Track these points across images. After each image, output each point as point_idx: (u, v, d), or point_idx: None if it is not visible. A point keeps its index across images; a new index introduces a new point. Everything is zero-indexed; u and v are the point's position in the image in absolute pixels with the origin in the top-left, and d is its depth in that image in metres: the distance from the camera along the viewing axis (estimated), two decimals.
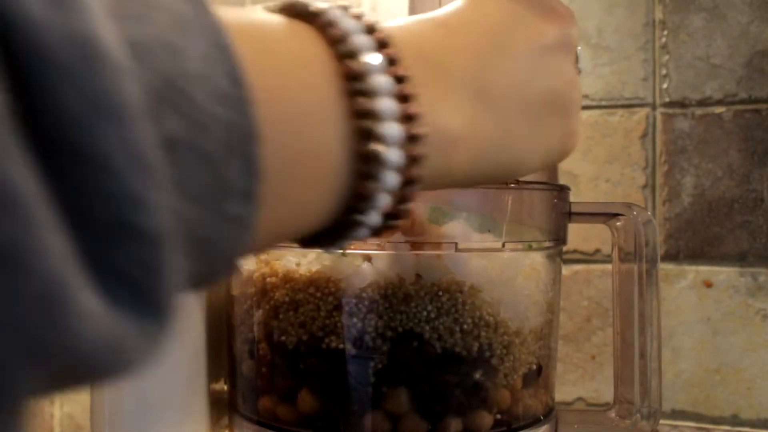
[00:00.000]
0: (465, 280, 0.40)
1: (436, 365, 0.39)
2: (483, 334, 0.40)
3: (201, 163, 0.17)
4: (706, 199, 0.62)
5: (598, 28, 0.65)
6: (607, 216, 0.49)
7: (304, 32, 0.23)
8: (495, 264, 0.42)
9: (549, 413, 0.46)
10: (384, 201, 0.23)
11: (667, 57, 0.63)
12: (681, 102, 0.63)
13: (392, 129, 0.22)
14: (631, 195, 0.64)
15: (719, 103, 0.62)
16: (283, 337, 0.41)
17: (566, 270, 0.65)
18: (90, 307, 0.14)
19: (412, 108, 0.23)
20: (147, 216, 0.15)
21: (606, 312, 0.64)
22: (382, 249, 0.39)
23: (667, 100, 0.63)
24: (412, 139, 0.23)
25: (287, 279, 0.41)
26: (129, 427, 0.46)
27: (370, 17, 0.24)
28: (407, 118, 0.23)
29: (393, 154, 0.22)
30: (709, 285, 0.62)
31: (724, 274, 0.62)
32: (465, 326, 0.40)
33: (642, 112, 0.64)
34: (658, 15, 0.64)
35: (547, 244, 0.45)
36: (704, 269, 0.63)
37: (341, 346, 0.39)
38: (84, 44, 0.14)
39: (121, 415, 0.46)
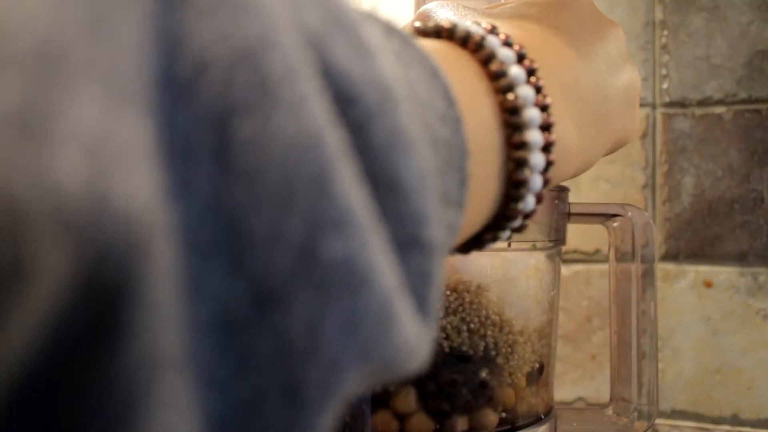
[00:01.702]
0: (472, 279, 0.40)
1: (444, 364, 0.39)
2: (489, 333, 0.40)
3: (436, 178, 0.18)
4: (706, 199, 0.63)
5: None
6: (603, 216, 0.49)
7: (466, 63, 0.24)
8: (501, 264, 0.42)
9: (549, 411, 0.46)
10: (519, 222, 0.25)
11: (667, 57, 0.64)
12: (681, 102, 0.63)
13: (539, 158, 0.24)
14: (631, 195, 0.64)
15: (719, 103, 0.62)
16: None
17: (566, 270, 0.65)
18: (406, 318, 0.15)
19: (552, 136, 0.24)
20: (429, 230, 0.16)
21: (606, 312, 0.64)
22: None
23: (667, 100, 0.64)
24: (548, 165, 0.24)
25: None
26: None
27: (516, 41, 0.25)
28: (547, 147, 0.24)
29: (536, 180, 0.24)
30: (709, 285, 0.63)
31: (724, 274, 0.62)
32: (472, 325, 0.40)
33: (642, 112, 0.64)
34: (658, 15, 0.64)
35: (549, 244, 0.45)
36: (704, 269, 0.63)
37: None
38: (382, 86, 0.16)
39: None
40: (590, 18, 0.32)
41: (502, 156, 0.23)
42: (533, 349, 0.43)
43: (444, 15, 0.30)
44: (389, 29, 0.19)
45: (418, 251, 0.16)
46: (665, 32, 0.64)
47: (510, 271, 0.42)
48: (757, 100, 0.61)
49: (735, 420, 0.62)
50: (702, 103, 0.63)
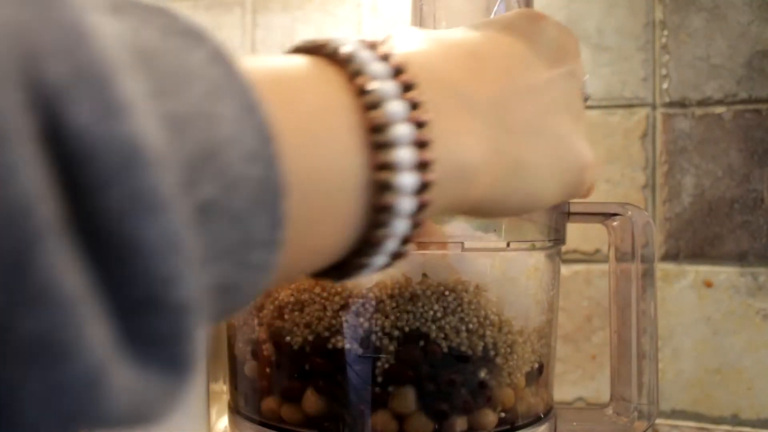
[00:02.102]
0: (470, 279, 0.40)
1: (442, 364, 0.39)
2: (488, 333, 0.40)
3: (231, 222, 0.18)
4: (706, 199, 0.63)
5: (598, 28, 0.65)
6: (603, 216, 0.49)
7: (331, 78, 0.23)
8: (500, 263, 0.42)
9: (549, 411, 0.46)
10: (391, 246, 0.23)
11: (667, 57, 0.64)
12: (681, 102, 0.63)
13: (408, 179, 0.22)
14: (631, 195, 0.64)
15: (719, 103, 0.62)
16: (288, 338, 0.40)
17: (566, 270, 0.65)
18: (123, 382, 0.15)
19: (430, 154, 0.23)
20: (176, 291, 0.16)
21: (606, 312, 0.64)
22: None
23: (667, 100, 0.64)
24: (424, 186, 0.23)
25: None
26: None
27: (399, 53, 0.24)
28: (423, 165, 0.23)
29: (406, 203, 0.23)
30: (709, 285, 0.63)
31: (724, 274, 0.62)
32: (470, 325, 0.40)
33: (642, 112, 0.64)
34: (658, 15, 0.64)
35: (548, 243, 0.45)
36: (704, 269, 0.63)
37: (347, 346, 0.39)
38: (125, 147, 0.15)
39: None
40: (543, 54, 0.32)
41: (364, 178, 0.22)
42: (533, 349, 0.43)
43: (400, 36, 0.29)
44: (215, 57, 0.18)
45: (160, 312, 0.16)
46: (665, 32, 0.64)
47: (509, 271, 0.42)
48: (757, 100, 0.61)
49: (735, 420, 0.62)
50: (702, 103, 0.63)
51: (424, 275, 0.39)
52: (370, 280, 0.39)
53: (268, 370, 0.42)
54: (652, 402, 0.47)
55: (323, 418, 0.40)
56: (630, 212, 0.47)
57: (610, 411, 0.48)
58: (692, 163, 0.63)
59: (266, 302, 0.42)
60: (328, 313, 0.40)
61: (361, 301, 0.39)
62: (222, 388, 0.51)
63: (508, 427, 0.42)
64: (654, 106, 0.64)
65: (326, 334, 0.40)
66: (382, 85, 0.22)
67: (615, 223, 0.48)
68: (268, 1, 0.74)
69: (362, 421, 0.39)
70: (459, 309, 0.39)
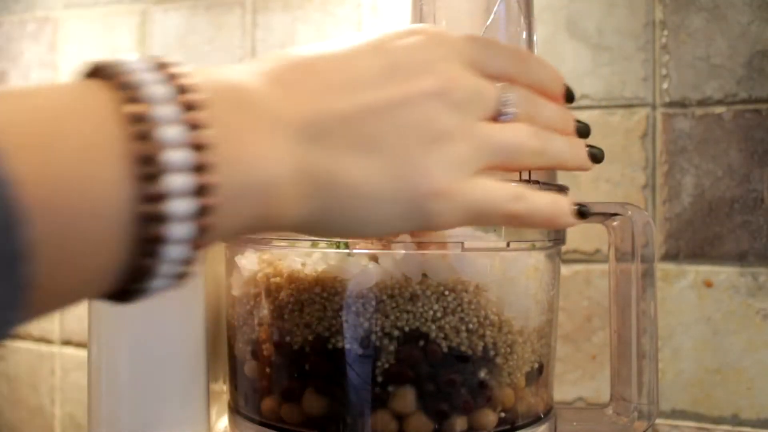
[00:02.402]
0: (470, 279, 0.40)
1: (442, 364, 0.39)
2: (488, 333, 0.40)
3: None
4: (706, 199, 0.63)
5: (598, 28, 0.65)
6: (603, 216, 0.49)
7: (103, 108, 0.22)
8: (500, 263, 0.42)
9: (549, 411, 0.46)
10: (168, 270, 0.23)
11: (667, 57, 0.64)
12: (681, 102, 0.63)
13: (180, 206, 0.22)
14: (631, 195, 0.64)
15: (719, 103, 0.62)
16: (288, 338, 0.40)
17: (566, 270, 0.65)
18: None
19: (210, 178, 0.23)
20: None
21: (606, 312, 0.64)
22: (389, 249, 0.39)
23: (667, 100, 0.64)
24: (203, 211, 0.23)
25: (292, 279, 0.41)
26: (127, 427, 0.46)
27: (195, 74, 0.23)
28: (201, 190, 0.22)
29: (180, 230, 0.22)
30: (709, 285, 0.63)
31: (724, 274, 0.62)
32: (470, 325, 0.40)
33: (642, 112, 0.64)
34: (658, 15, 0.64)
35: (548, 243, 0.45)
36: (704, 269, 0.63)
37: (347, 345, 0.39)
38: None
39: (119, 416, 0.46)
40: (410, 70, 0.30)
41: (132, 209, 0.22)
42: (532, 349, 0.43)
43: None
44: None
45: None
46: (665, 32, 0.64)
47: (509, 271, 0.42)
48: (757, 100, 0.61)
49: (735, 420, 0.62)
50: (702, 103, 0.63)
51: (424, 275, 0.39)
52: (370, 279, 0.39)
53: (268, 370, 0.42)
54: (652, 402, 0.47)
55: (323, 418, 0.40)
56: (630, 212, 0.47)
57: (610, 411, 0.48)
58: (692, 163, 0.63)
59: (266, 302, 0.42)
60: (328, 313, 0.39)
61: (361, 301, 0.39)
62: (222, 388, 0.51)
63: (508, 427, 0.42)
64: (654, 106, 0.64)
65: (326, 334, 0.40)
66: (155, 110, 0.22)
67: (615, 223, 0.48)
68: (268, 1, 0.74)
69: (362, 421, 0.39)
70: (459, 309, 0.39)
